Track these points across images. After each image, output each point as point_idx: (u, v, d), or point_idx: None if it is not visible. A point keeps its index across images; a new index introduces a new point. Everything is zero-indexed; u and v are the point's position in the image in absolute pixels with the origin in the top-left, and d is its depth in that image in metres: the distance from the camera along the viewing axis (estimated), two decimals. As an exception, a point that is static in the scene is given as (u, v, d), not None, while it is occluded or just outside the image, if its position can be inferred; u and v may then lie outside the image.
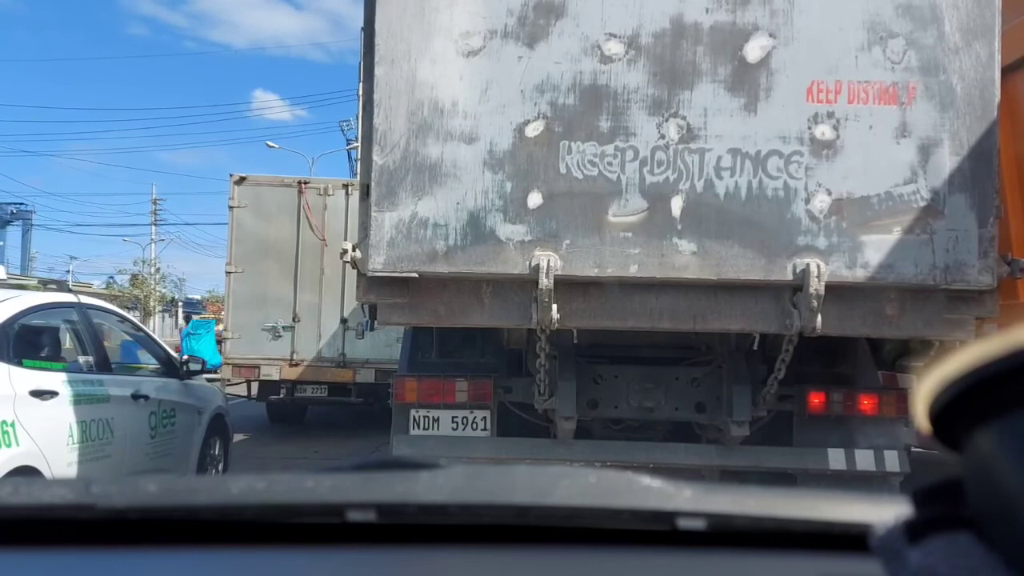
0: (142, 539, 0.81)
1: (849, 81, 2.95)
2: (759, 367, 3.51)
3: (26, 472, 3.65)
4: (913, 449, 5.00)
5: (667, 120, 2.95)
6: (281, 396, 9.12)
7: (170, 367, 5.33)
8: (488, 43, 2.97)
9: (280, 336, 8.80)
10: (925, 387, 0.54)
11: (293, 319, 8.81)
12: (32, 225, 43.37)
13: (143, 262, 39.51)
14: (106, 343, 4.94)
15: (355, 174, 27.67)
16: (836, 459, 3.52)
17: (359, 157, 3.49)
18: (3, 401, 3.68)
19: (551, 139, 2.97)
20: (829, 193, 2.93)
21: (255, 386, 9.23)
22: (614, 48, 2.95)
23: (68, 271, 38.40)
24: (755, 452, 3.61)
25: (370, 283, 3.04)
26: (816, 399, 3.62)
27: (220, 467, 5.85)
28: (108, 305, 5.54)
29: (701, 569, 0.80)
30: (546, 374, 3.42)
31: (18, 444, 3.68)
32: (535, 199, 2.97)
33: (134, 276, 37.05)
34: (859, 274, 2.93)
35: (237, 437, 8.69)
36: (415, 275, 2.99)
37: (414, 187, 2.98)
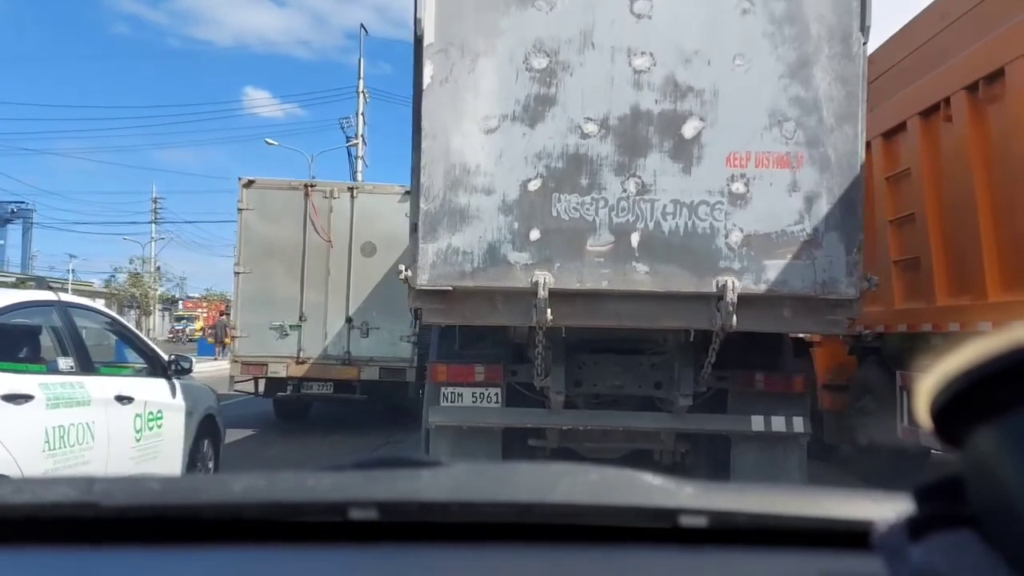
0: (145, 537, 0.89)
1: (756, 151, 4.75)
2: (700, 356, 5.28)
3: None
4: (933, 452, 6.93)
5: (628, 179, 4.74)
6: (288, 393, 10.72)
7: (157, 366, 5.58)
8: (501, 124, 4.75)
9: (287, 335, 10.43)
10: (927, 384, 0.59)
11: (300, 318, 10.45)
12: (32, 224, 45.05)
13: (141, 260, 41.52)
14: (89, 343, 5.13)
15: (355, 171, 29.54)
16: (757, 423, 5.35)
17: (410, 205, 5.22)
18: None
19: (546, 192, 4.75)
20: (741, 231, 4.73)
21: (262, 383, 10.80)
22: (590, 128, 4.74)
23: (70, 270, 40.19)
24: (698, 418, 5.43)
25: (418, 294, 4.81)
26: (745, 379, 5.43)
27: (210, 470, 6.19)
28: (91, 303, 5.82)
29: (703, 566, 0.87)
30: (542, 360, 5.19)
31: None
32: (535, 234, 4.75)
33: (134, 275, 39.01)
34: (763, 288, 4.73)
35: (245, 432, 10.26)
36: (450, 288, 4.76)
37: (449, 226, 4.75)
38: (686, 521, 0.86)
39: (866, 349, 7.63)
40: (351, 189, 10.73)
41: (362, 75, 30.61)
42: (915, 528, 0.65)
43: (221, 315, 40.51)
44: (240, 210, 10.49)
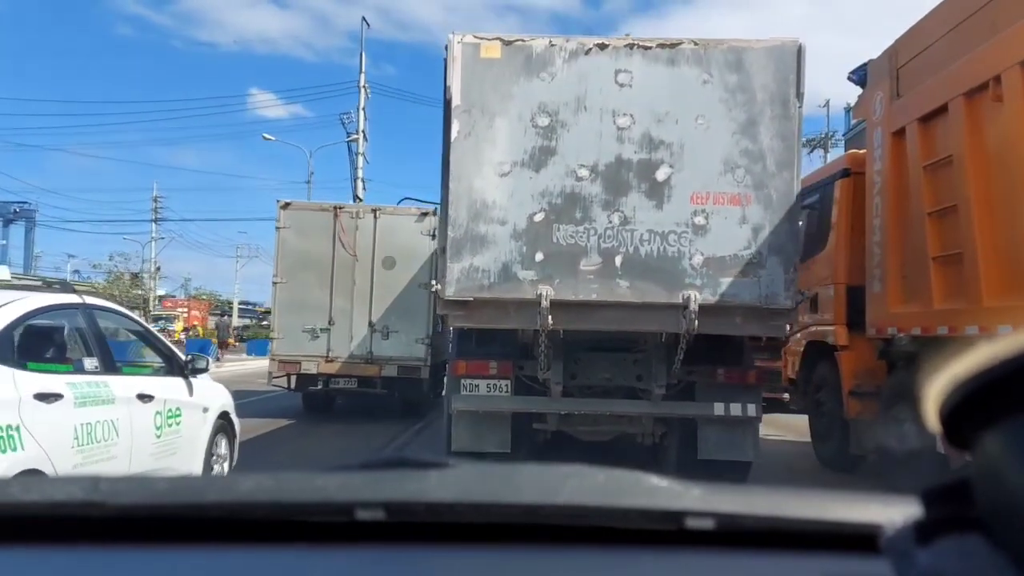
0: (152, 537, 0.89)
1: (714, 192, 5.88)
2: (672, 354, 6.41)
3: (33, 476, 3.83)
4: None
5: (613, 213, 5.87)
6: (319, 387, 11.95)
7: (175, 366, 5.72)
8: (513, 169, 5.88)
9: (318, 337, 11.64)
10: (936, 387, 0.59)
11: (329, 322, 11.66)
12: (35, 224, 44.95)
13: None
14: (111, 343, 5.19)
15: (356, 168, 29.26)
16: (719, 409, 6.46)
17: (438, 232, 6.36)
18: (8, 405, 3.89)
19: (549, 223, 5.88)
20: (702, 255, 5.86)
21: (293, 379, 12.00)
22: (583, 172, 5.87)
23: (76, 271, 40.63)
24: (671, 405, 6.55)
25: (445, 303, 5.94)
26: (709, 373, 6.56)
27: (226, 465, 6.32)
28: (112, 305, 5.88)
29: (709, 569, 0.86)
30: (545, 357, 6.31)
31: (23, 448, 3.88)
32: (539, 256, 5.88)
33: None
34: (719, 300, 5.86)
35: (282, 423, 11.41)
36: (471, 299, 5.88)
37: (471, 249, 5.88)
38: (693, 523, 0.86)
39: (898, 353, 6.97)
40: (374, 211, 11.93)
41: (363, 69, 29.37)
42: (923, 531, 0.64)
43: (222, 316, 40.49)
44: (278, 228, 11.73)
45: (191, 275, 59.63)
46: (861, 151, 7.99)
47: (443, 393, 8.51)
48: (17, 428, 3.89)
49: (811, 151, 35.82)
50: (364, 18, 30.39)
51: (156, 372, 5.61)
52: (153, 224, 47.02)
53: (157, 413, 5.20)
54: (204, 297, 47.60)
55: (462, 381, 6.59)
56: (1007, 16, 5.32)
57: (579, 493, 0.90)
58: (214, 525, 0.90)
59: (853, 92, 8.31)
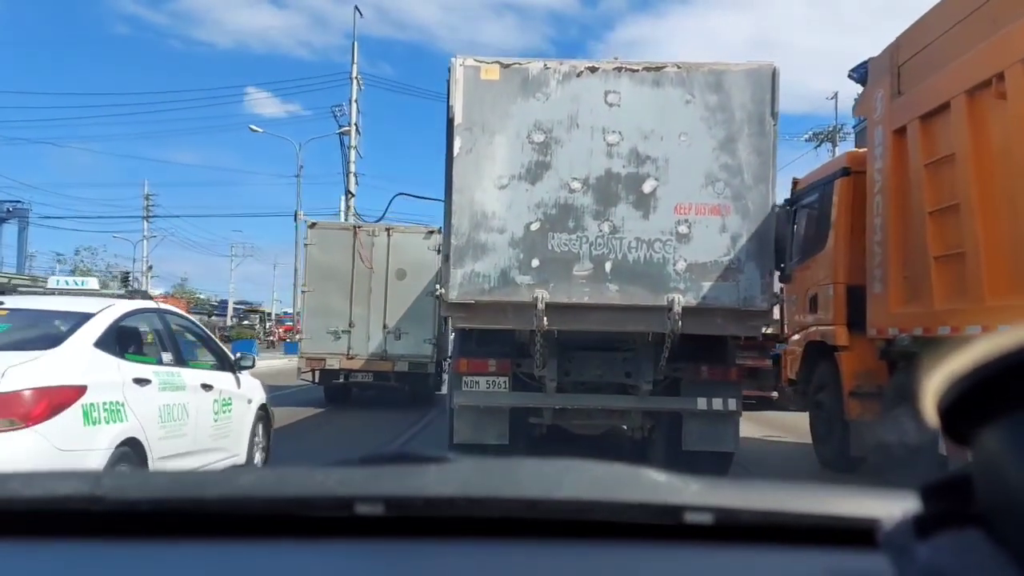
0: (153, 532, 0.89)
1: (696, 203, 6.27)
2: (659, 352, 6.80)
3: (132, 444, 4.67)
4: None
5: (603, 222, 6.28)
6: (340, 381, 13.19)
7: (225, 362, 6.45)
8: (511, 182, 6.31)
9: (339, 337, 12.88)
10: (935, 382, 0.58)
11: (349, 325, 12.89)
12: (28, 223, 44.16)
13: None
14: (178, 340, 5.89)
15: (348, 162, 29.05)
16: (702, 403, 6.81)
17: (442, 240, 6.81)
18: (116, 386, 4.70)
19: (544, 231, 6.29)
20: (685, 261, 6.25)
21: (318, 374, 13.24)
22: (576, 185, 6.29)
23: (74, 270, 40.95)
24: (658, 400, 6.92)
25: (449, 306, 6.37)
26: (693, 370, 6.94)
27: (263, 451, 6.97)
28: (178, 309, 6.75)
29: (708, 563, 0.85)
30: (540, 356, 6.69)
31: (127, 420, 4.69)
32: (535, 262, 6.29)
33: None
34: (701, 302, 6.24)
35: (312, 411, 12.44)
36: (472, 302, 6.30)
37: (472, 256, 6.31)
38: (692, 518, 0.85)
39: (900, 353, 6.80)
40: (388, 230, 13.36)
41: (355, 60, 28.57)
42: (922, 526, 0.64)
43: (209, 316, 39.53)
44: (306, 245, 13.29)
45: (187, 275, 58.57)
46: (861, 149, 7.80)
47: (445, 388, 9.02)
48: (122, 404, 4.69)
49: (818, 144, 35.74)
50: (357, 7, 29.40)
51: (212, 367, 6.29)
52: (144, 222, 45.88)
53: (215, 401, 5.92)
54: (185, 295, 45.50)
55: (463, 378, 6.98)
56: (1009, 13, 5.19)
57: (578, 487, 0.90)
58: (215, 520, 0.90)
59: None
